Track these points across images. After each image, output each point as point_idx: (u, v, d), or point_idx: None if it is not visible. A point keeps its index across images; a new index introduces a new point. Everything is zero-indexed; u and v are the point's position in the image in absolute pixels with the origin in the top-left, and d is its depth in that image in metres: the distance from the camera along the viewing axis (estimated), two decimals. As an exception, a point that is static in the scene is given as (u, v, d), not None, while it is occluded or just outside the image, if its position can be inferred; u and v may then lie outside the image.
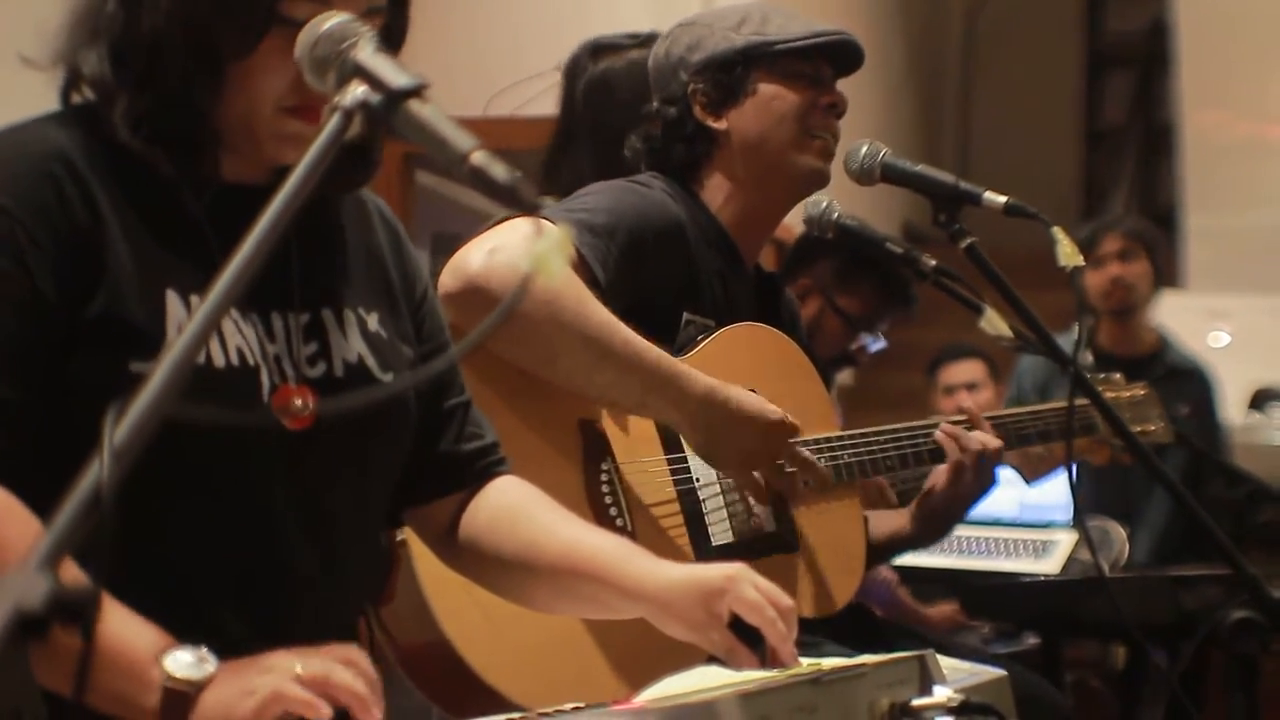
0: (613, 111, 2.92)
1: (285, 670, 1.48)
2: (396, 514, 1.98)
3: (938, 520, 2.90)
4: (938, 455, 2.79)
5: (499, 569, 1.97)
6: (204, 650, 1.45)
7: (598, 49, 3.07)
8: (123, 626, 1.50)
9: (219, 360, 1.66)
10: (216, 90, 1.68)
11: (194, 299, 1.67)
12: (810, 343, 3.61)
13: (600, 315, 2.31)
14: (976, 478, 2.79)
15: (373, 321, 1.83)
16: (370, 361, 1.80)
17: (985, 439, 2.77)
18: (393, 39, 1.75)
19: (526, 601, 2.01)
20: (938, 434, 2.77)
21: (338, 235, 1.85)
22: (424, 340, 1.92)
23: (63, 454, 1.61)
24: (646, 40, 2.99)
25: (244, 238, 1.69)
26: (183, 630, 1.55)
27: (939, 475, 2.82)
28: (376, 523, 1.89)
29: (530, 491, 1.99)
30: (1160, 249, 5.30)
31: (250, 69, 1.67)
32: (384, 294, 1.88)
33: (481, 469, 1.99)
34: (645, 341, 2.35)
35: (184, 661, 1.44)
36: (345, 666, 1.49)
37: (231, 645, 1.57)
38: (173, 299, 1.66)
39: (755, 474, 2.47)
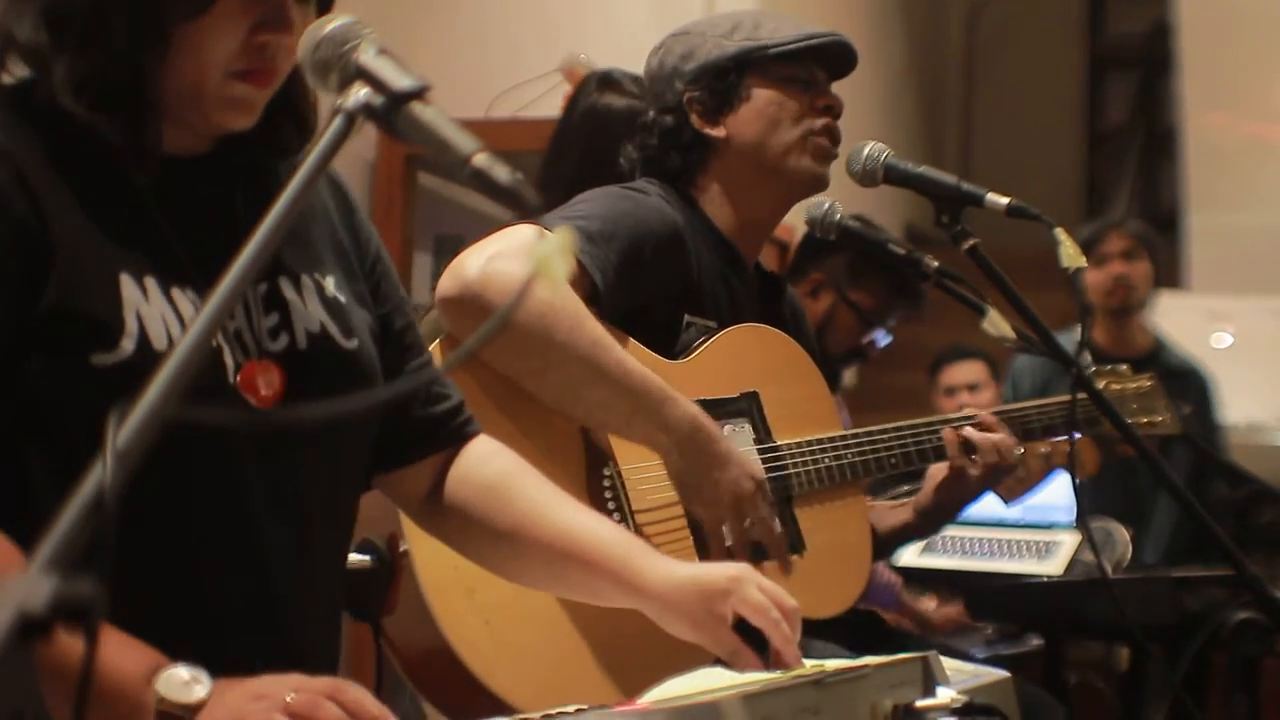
0: (602, 148, 2.95)
1: (276, 699, 1.46)
2: (366, 479, 1.94)
3: (937, 517, 2.91)
4: (941, 453, 2.80)
5: (487, 540, 1.95)
6: (197, 670, 1.43)
7: (605, 81, 3.10)
8: (110, 645, 1.47)
9: None
10: (163, 53, 1.63)
11: (148, 280, 1.63)
12: (823, 338, 3.63)
13: (594, 333, 2.30)
14: (983, 479, 2.81)
15: (330, 285, 1.80)
16: (332, 329, 1.77)
17: (1002, 441, 2.78)
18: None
19: (512, 575, 1.99)
20: (946, 433, 2.77)
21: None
22: (381, 303, 1.90)
23: (29, 458, 1.59)
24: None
25: (195, 217, 1.67)
26: (160, 614, 1.54)
27: (938, 472, 2.83)
28: (349, 497, 1.86)
29: (517, 461, 1.98)
30: (1160, 252, 5.33)
31: (199, 31, 1.62)
32: (337, 256, 1.85)
33: (455, 429, 1.97)
34: (636, 363, 2.34)
35: (176, 683, 1.43)
36: (341, 699, 1.46)
37: (208, 627, 1.57)
38: (127, 283, 1.62)
39: (722, 526, 2.43)
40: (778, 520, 2.47)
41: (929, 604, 4.47)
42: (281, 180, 1.78)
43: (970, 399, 5.56)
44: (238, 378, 1.67)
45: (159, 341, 1.61)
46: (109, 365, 1.58)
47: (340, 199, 1.91)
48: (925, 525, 2.95)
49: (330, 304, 1.78)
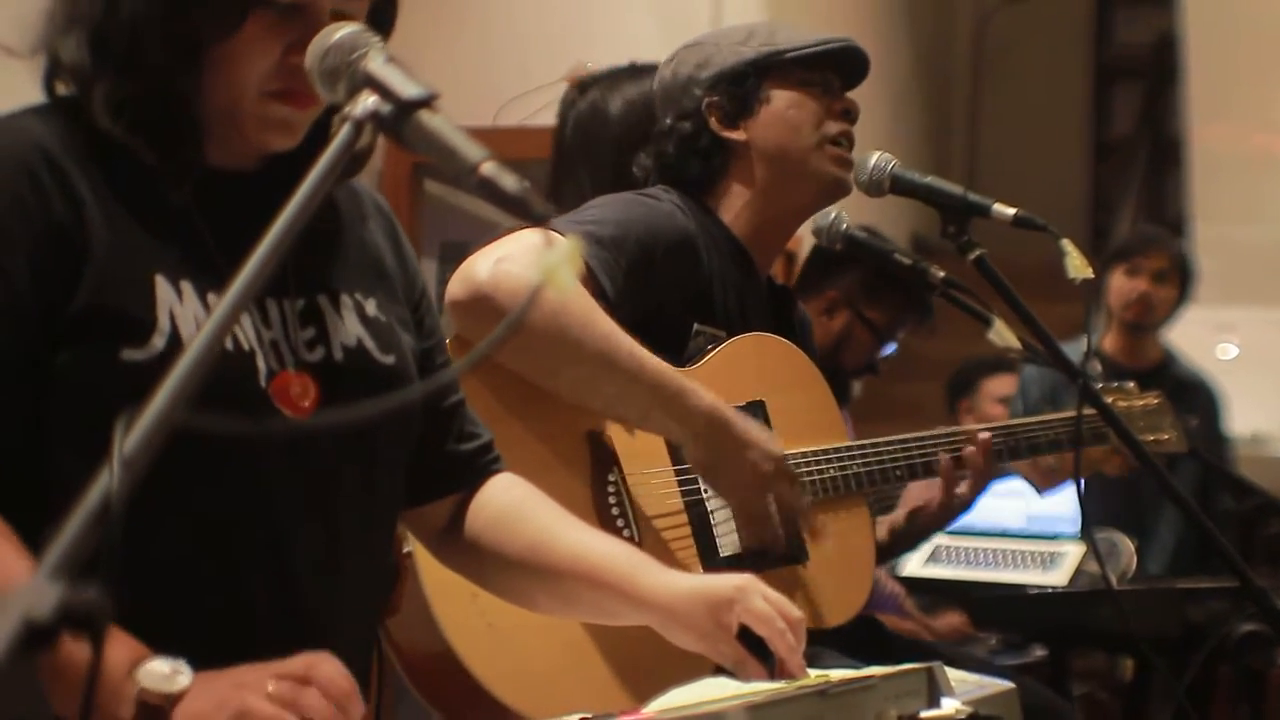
0: (603, 140, 2.93)
1: (257, 686, 1.47)
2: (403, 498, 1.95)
3: (913, 535, 2.92)
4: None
5: (500, 569, 1.96)
6: (179, 662, 1.43)
7: (585, 84, 3.06)
8: None
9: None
10: (197, 76, 1.65)
11: (184, 284, 1.64)
12: (838, 355, 3.64)
13: (606, 327, 2.30)
14: (969, 496, 2.83)
15: (370, 307, 1.80)
16: (369, 344, 1.77)
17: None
18: (380, 23, 1.72)
19: (527, 603, 2.00)
20: (941, 457, 2.78)
21: (330, 223, 1.82)
22: (424, 337, 1.91)
23: (54, 452, 1.60)
24: (634, 72, 3.00)
25: (238, 229, 1.67)
26: (187, 620, 1.54)
27: (915, 493, 2.84)
28: (385, 517, 1.86)
29: (530, 491, 1.98)
30: (1191, 284, 5.32)
31: (232, 53, 1.64)
32: (381, 280, 1.85)
33: (481, 467, 1.98)
34: (651, 355, 2.34)
35: (158, 674, 1.42)
36: (317, 680, 1.48)
37: (235, 632, 1.57)
38: (161, 283, 1.63)
39: (751, 500, 2.44)
40: (805, 496, 2.49)
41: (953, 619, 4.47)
42: (333, 198, 1.81)
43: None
44: (271, 386, 1.67)
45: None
46: (139, 361, 1.59)
47: (389, 228, 1.92)
48: (902, 543, 2.96)
49: (370, 322, 1.79)
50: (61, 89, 1.71)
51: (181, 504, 1.61)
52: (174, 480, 1.53)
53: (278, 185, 1.71)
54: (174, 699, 1.42)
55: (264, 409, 1.66)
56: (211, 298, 1.65)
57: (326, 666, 1.50)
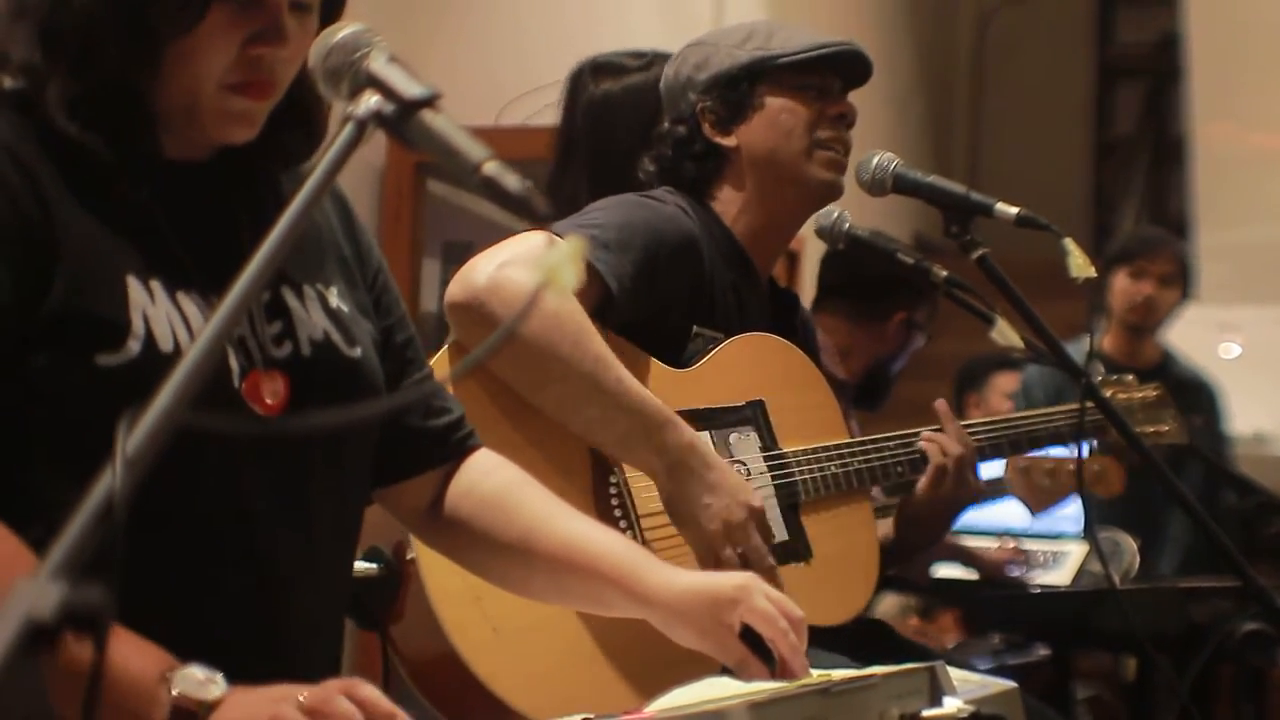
0: (612, 137, 2.91)
1: (290, 698, 1.46)
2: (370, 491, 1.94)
3: (921, 527, 2.90)
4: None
5: (490, 554, 1.95)
6: (213, 672, 1.43)
7: (598, 68, 3.03)
8: (123, 645, 1.47)
9: (188, 348, 1.59)
10: (155, 71, 1.63)
11: (154, 284, 1.62)
12: (895, 360, 3.67)
13: (596, 349, 2.29)
14: (955, 482, 2.80)
15: (332, 296, 1.79)
16: (336, 338, 1.76)
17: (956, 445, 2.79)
18: (330, 10, 1.71)
19: (516, 588, 1.99)
20: (922, 441, 2.78)
21: (284, 211, 1.81)
22: (383, 316, 1.89)
23: (32, 457, 1.58)
24: (648, 63, 2.98)
25: (197, 222, 1.66)
26: (160, 619, 1.53)
27: (920, 480, 2.83)
28: (354, 510, 1.85)
29: (519, 474, 1.97)
30: (1190, 284, 5.35)
31: (191, 47, 1.62)
32: (338, 267, 1.84)
33: (456, 443, 1.96)
34: (637, 384, 2.33)
35: (193, 680, 1.43)
36: (358, 700, 1.47)
37: (207, 633, 1.56)
38: (134, 284, 1.61)
39: (715, 546, 2.38)
40: (770, 554, 2.43)
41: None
42: (283, 187, 1.79)
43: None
44: (243, 385, 1.66)
45: (165, 343, 1.60)
46: (114, 365, 1.58)
47: (342, 210, 1.91)
48: (914, 537, 2.94)
49: (333, 313, 1.78)
50: (9, 82, 1.67)
51: (152, 502, 1.59)
52: (146, 480, 1.54)
53: (232, 174, 1.72)
54: (210, 706, 1.42)
55: (236, 409, 1.65)
56: (180, 295, 1.64)
57: (367, 688, 1.49)
